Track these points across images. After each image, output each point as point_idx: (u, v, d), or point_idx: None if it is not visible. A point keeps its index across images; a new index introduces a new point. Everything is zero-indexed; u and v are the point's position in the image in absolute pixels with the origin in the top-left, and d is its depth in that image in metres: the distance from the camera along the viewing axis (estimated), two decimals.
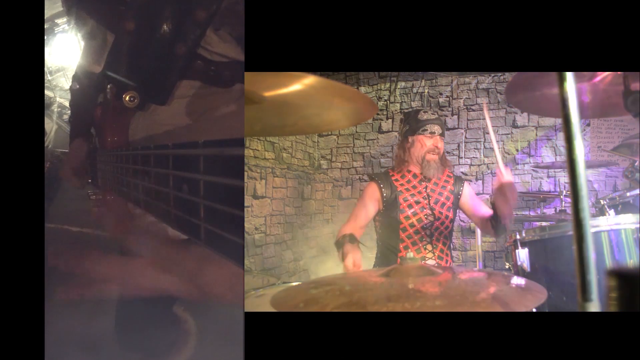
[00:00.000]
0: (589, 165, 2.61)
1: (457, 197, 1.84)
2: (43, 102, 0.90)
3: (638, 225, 1.31)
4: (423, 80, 3.48)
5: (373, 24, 0.90)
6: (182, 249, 0.61)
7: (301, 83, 0.80)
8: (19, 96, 0.86)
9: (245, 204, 2.77)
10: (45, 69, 2.58)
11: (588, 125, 3.09)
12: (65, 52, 2.48)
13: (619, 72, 0.99)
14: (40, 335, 0.81)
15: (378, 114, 3.55)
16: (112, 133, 1.09)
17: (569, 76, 0.56)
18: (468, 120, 3.36)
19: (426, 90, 3.48)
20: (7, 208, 0.81)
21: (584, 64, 0.89)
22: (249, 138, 2.76)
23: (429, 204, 1.78)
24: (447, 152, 3.30)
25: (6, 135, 0.84)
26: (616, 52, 0.88)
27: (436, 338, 0.75)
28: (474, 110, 3.35)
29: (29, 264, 0.81)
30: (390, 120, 3.56)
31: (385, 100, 3.56)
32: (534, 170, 3.16)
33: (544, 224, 2.48)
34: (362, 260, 1.56)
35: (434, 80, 3.46)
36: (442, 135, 1.82)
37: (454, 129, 3.38)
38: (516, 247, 1.44)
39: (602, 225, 1.32)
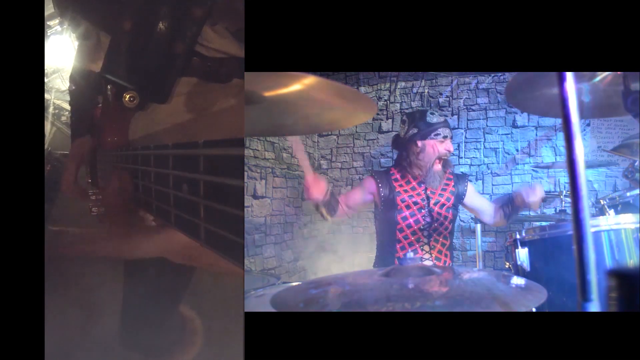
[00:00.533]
0: (589, 165, 2.61)
1: (460, 197, 1.83)
2: (43, 103, 0.90)
3: (638, 225, 1.31)
4: (423, 80, 3.48)
5: (373, 24, 0.90)
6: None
7: (301, 83, 0.80)
8: (18, 97, 0.86)
9: (245, 204, 2.77)
10: None
11: (588, 125, 3.09)
12: (61, 53, 2.47)
13: (619, 72, 0.99)
14: (40, 335, 0.81)
15: (378, 114, 3.55)
16: (112, 133, 1.09)
17: (569, 76, 0.56)
18: (468, 120, 3.36)
19: (426, 90, 3.48)
20: (6, 209, 0.81)
21: (584, 64, 0.89)
22: (249, 138, 2.76)
23: (428, 205, 1.78)
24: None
25: (6, 137, 0.84)
26: (616, 52, 0.88)
27: (436, 338, 0.75)
28: (474, 110, 3.35)
29: (29, 265, 0.81)
30: (390, 120, 3.55)
31: (385, 100, 3.56)
32: (534, 170, 3.16)
33: (544, 223, 2.48)
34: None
35: (434, 80, 3.46)
36: (451, 137, 1.78)
37: (454, 129, 3.37)
38: (516, 247, 1.44)
39: (602, 225, 1.32)
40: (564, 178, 3.05)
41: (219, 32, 1.01)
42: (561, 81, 0.56)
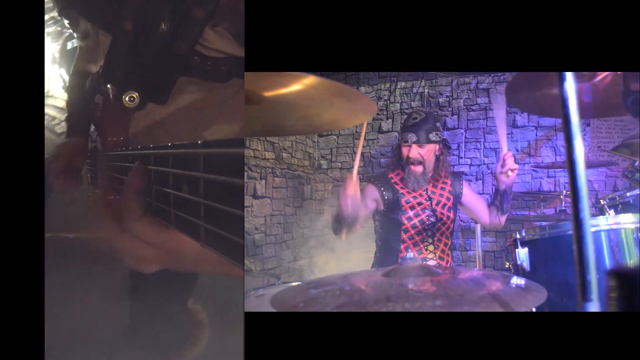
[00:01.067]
0: (589, 165, 2.61)
1: (458, 197, 1.84)
2: (43, 105, 0.90)
3: (638, 225, 1.31)
4: (423, 80, 3.48)
5: (373, 24, 0.90)
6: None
7: (301, 83, 0.80)
8: (18, 97, 0.86)
9: (245, 204, 2.77)
10: None
11: (588, 125, 3.09)
12: (49, 56, 2.45)
13: (619, 72, 0.99)
14: (40, 335, 0.81)
15: (378, 114, 3.55)
16: (112, 133, 1.09)
17: (569, 76, 0.56)
18: (468, 120, 3.36)
19: (426, 90, 3.48)
20: (6, 210, 0.81)
21: (584, 64, 0.89)
22: (249, 138, 2.76)
23: (431, 205, 1.79)
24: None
25: (6, 137, 0.84)
26: (616, 52, 0.88)
27: (436, 338, 0.75)
28: (474, 110, 3.35)
29: (29, 265, 0.81)
30: (390, 120, 3.55)
31: (385, 100, 3.56)
32: (534, 170, 3.16)
33: (544, 223, 2.48)
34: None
35: (434, 80, 3.46)
36: (419, 142, 1.73)
37: (454, 129, 3.38)
38: (516, 247, 1.43)
39: (602, 225, 1.32)
40: (564, 178, 3.06)
41: (220, 34, 1.01)
42: (561, 81, 0.56)
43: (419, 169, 1.76)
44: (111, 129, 1.09)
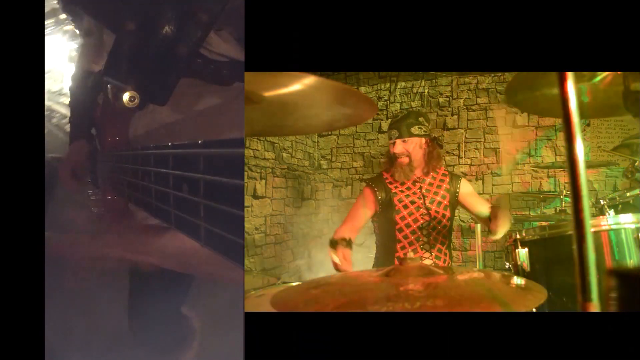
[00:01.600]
0: (589, 165, 2.61)
1: (455, 195, 1.84)
2: (43, 105, 0.90)
3: (638, 225, 1.31)
4: (423, 80, 3.48)
5: (373, 24, 0.90)
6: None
7: (301, 83, 0.80)
8: (17, 98, 0.85)
9: (245, 204, 2.77)
10: None
11: (588, 125, 3.09)
12: (53, 54, 2.45)
13: (619, 72, 0.99)
14: (40, 336, 0.81)
15: (378, 114, 3.54)
16: (112, 133, 1.09)
17: (569, 76, 0.56)
18: (468, 120, 3.36)
19: (426, 90, 3.48)
20: (6, 210, 0.81)
21: (584, 64, 0.89)
22: (249, 138, 2.75)
23: (424, 204, 1.79)
24: (447, 152, 3.31)
25: (6, 137, 0.83)
26: (616, 52, 0.88)
27: (436, 338, 0.75)
28: (474, 110, 3.35)
29: (29, 266, 0.81)
30: (390, 120, 3.55)
31: (385, 100, 3.56)
32: (534, 170, 3.16)
33: (543, 223, 2.48)
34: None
35: (434, 80, 3.46)
36: (401, 136, 1.80)
37: (453, 129, 3.37)
38: (516, 247, 1.44)
39: (602, 225, 1.32)
40: (564, 178, 3.05)
41: (224, 38, 1.01)
42: (561, 81, 0.56)
43: (405, 160, 1.80)
44: (111, 129, 1.09)
